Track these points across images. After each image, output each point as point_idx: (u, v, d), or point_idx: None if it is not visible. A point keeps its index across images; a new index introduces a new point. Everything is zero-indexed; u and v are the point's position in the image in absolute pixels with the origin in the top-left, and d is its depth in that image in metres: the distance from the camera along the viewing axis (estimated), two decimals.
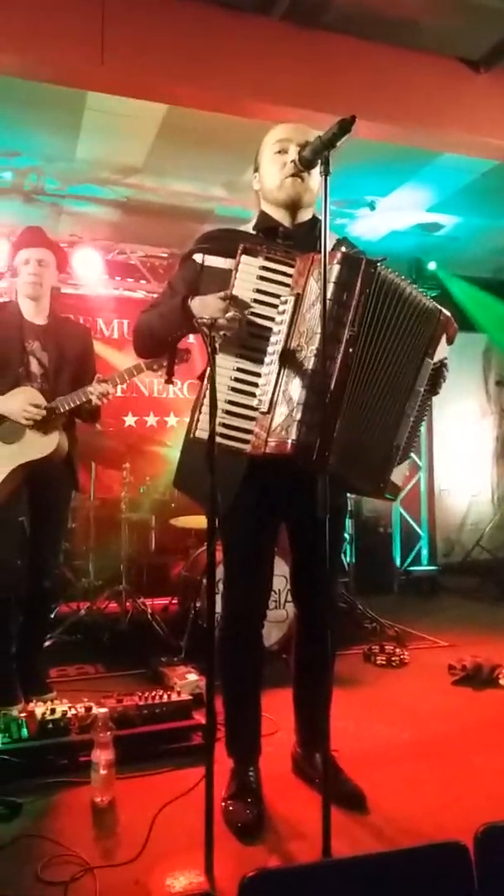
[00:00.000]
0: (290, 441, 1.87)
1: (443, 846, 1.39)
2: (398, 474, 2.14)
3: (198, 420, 1.94)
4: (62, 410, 2.83)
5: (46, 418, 2.82)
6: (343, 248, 2.16)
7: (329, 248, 1.85)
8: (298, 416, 1.88)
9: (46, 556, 3.07)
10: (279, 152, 2.16)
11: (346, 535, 5.44)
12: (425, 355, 2.11)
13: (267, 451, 1.91)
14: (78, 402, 2.84)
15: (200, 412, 1.92)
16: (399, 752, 2.62)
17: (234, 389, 1.96)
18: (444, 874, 1.35)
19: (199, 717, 2.61)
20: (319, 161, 1.90)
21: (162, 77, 3.49)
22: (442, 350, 2.16)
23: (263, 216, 2.24)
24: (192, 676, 3.06)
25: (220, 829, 1.93)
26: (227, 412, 1.94)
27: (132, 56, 3.38)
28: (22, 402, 2.80)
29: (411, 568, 6.26)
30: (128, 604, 4.33)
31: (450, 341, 2.19)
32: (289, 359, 1.93)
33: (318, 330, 1.84)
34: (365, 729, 2.83)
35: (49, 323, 3.03)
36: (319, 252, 1.84)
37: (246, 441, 1.94)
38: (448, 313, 2.17)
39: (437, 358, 2.15)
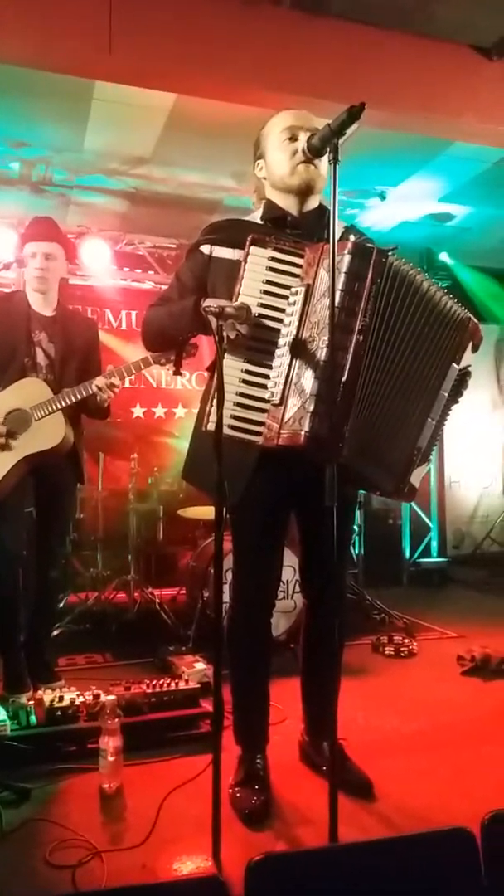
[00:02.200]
0: (303, 433, 1.86)
1: (450, 832, 1.38)
2: (417, 476, 2.13)
3: (209, 413, 1.92)
4: (64, 404, 2.82)
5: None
6: (352, 237, 2.14)
7: (337, 236, 1.83)
8: (311, 408, 1.86)
9: (53, 547, 3.09)
10: (288, 139, 2.13)
11: (356, 527, 5.44)
12: (452, 360, 2.09)
13: (280, 443, 1.90)
14: (84, 395, 2.83)
15: (211, 405, 1.90)
16: (407, 742, 2.62)
17: (245, 381, 1.94)
18: (450, 860, 1.35)
19: (207, 706, 2.62)
20: (328, 149, 1.88)
21: (170, 66, 3.48)
22: (467, 357, 2.14)
23: (270, 205, 2.21)
24: (200, 665, 3.07)
25: (227, 815, 1.94)
26: (239, 404, 1.93)
27: (140, 45, 3.37)
28: None
29: (421, 559, 6.25)
30: (136, 594, 4.35)
31: (475, 349, 2.16)
32: (300, 350, 1.91)
33: (329, 321, 1.82)
34: (373, 718, 2.83)
35: (56, 314, 3.04)
36: (328, 241, 1.83)
37: (258, 433, 1.93)
38: (476, 321, 2.14)
39: (462, 365, 2.13)
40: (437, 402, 2.09)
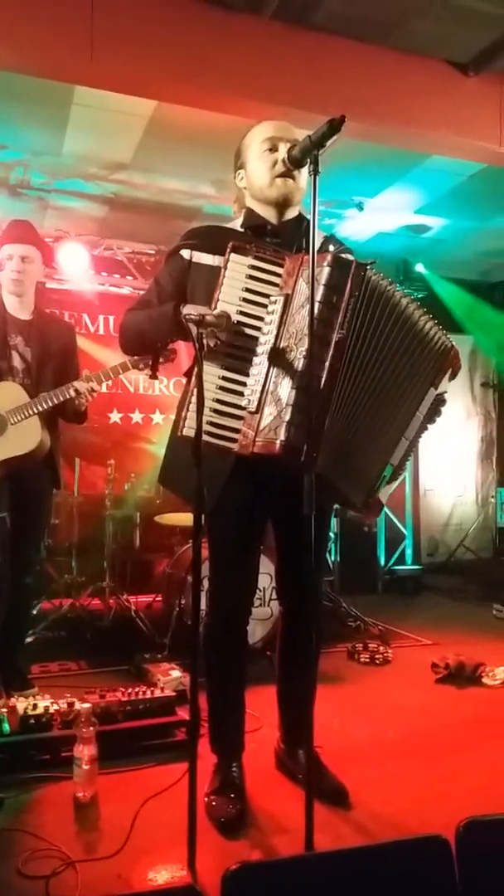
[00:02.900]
0: (278, 441, 1.87)
1: (425, 840, 1.39)
2: (385, 492, 2.14)
3: (185, 418, 1.92)
4: (41, 408, 2.80)
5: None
6: (331, 247, 2.17)
7: (317, 245, 1.85)
8: (287, 417, 1.87)
9: (28, 553, 3.07)
10: (269, 150, 2.15)
11: (332, 534, 5.46)
12: (431, 384, 2.11)
13: (255, 451, 1.91)
14: (61, 399, 2.83)
15: (188, 410, 1.91)
16: (382, 749, 2.64)
17: (222, 388, 1.95)
18: (426, 867, 1.36)
19: (183, 714, 2.62)
20: (308, 160, 1.90)
21: (151, 73, 3.48)
22: (443, 384, 2.16)
23: (250, 213, 2.23)
24: (176, 673, 3.06)
25: (202, 824, 1.93)
26: (215, 411, 1.93)
27: (121, 51, 3.36)
28: None
29: (395, 567, 6.29)
30: (111, 600, 4.32)
31: (452, 377, 2.19)
32: (278, 359, 1.92)
33: (308, 331, 1.82)
34: (348, 726, 2.84)
35: (33, 318, 3.02)
36: (308, 251, 1.84)
37: (234, 440, 1.93)
38: (458, 349, 2.17)
39: (439, 390, 2.15)
40: (412, 422, 2.11)
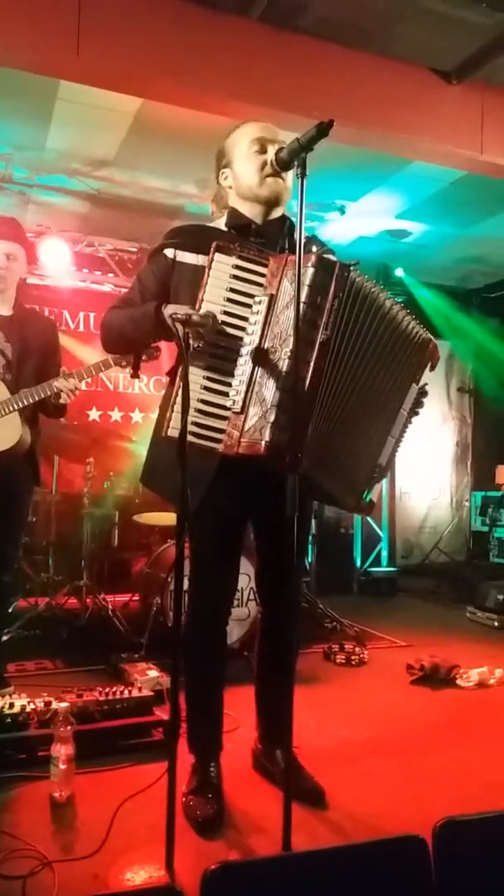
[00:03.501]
0: (263, 442, 1.87)
1: (402, 840, 1.41)
2: (374, 491, 2.16)
3: (170, 419, 1.92)
4: (22, 404, 2.78)
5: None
6: (314, 248, 2.18)
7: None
8: (272, 418, 1.88)
9: (5, 550, 3.04)
10: (258, 151, 2.15)
11: (309, 536, 5.48)
12: (413, 380, 2.14)
13: (240, 451, 1.91)
14: (42, 396, 2.81)
15: (173, 410, 1.91)
16: (358, 750, 2.65)
17: (206, 389, 1.94)
18: (403, 867, 1.37)
19: (160, 714, 2.61)
20: (296, 163, 1.91)
21: (137, 70, 3.47)
22: (424, 376, 2.19)
23: (234, 213, 2.22)
24: (153, 673, 3.05)
25: (180, 824, 1.93)
26: (200, 411, 1.93)
27: (108, 47, 3.35)
28: None
29: (371, 569, 6.34)
30: (88, 599, 4.29)
31: (432, 368, 2.22)
32: (262, 360, 1.92)
33: (292, 332, 1.83)
34: (324, 727, 2.85)
35: (14, 314, 2.99)
36: (291, 252, 1.85)
37: (218, 440, 1.93)
38: (435, 341, 2.20)
39: (420, 384, 2.18)
40: (397, 420, 2.13)
